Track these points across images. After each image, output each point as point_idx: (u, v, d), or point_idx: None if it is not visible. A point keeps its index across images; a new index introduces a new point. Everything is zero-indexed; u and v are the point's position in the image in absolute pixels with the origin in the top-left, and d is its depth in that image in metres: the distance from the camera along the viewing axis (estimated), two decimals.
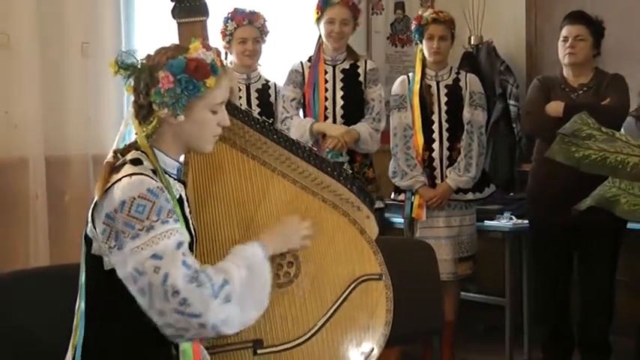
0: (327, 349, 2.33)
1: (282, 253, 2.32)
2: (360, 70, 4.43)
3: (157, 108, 2.05)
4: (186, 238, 2.04)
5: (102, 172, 2.07)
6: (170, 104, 2.04)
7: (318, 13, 4.35)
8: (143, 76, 2.07)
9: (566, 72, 4.38)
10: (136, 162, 2.06)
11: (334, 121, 4.33)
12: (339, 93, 4.38)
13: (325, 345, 2.33)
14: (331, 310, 2.35)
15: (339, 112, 4.36)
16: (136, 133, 2.12)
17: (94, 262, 2.05)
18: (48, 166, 4.14)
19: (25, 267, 3.76)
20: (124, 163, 2.06)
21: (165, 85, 2.03)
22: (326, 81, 4.37)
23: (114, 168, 2.07)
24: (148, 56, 2.11)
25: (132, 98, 2.13)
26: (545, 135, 4.02)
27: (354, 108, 4.38)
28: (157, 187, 2.01)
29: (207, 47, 2.11)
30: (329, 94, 4.36)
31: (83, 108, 4.28)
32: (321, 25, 4.35)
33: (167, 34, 4.27)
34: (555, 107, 4.22)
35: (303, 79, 4.38)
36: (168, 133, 2.12)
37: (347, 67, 4.42)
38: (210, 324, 1.95)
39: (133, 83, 2.11)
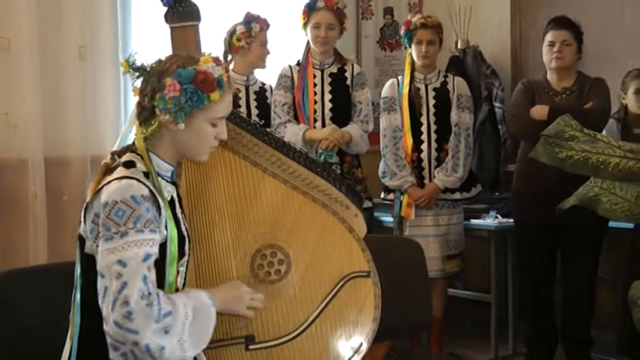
0: (317, 344, 2.33)
1: (272, 251, 2.32)
2: (348, 74, 4.43)
3: (159, 113, 2.05)
4: (156, 251, 2.02)
5: (97, 173, 2.07)
6: (172, 112, 2.04)
7: (304, 18, 4.34)
8: (151, 80, 2.07)
9: (550, 76, 4.39)
10: (128, 164, 2.06)
11: (323, 124, 4.32)
12: (328, 96, 4.37)
13: (315, 340, 2.33)
14: (321, 307, 2.35)
15: (328, 114, 4.35)
16: (135, 134, 2.11)
17: (87, 260, 2.05)
18: (47, 166, 4.14)
19: (25, 265, 3.74)
20: (118, 165, 2.06)
21: (171, 92, 2.03)
22: (315, 85, 4.36)
23: (108, 169, 2.06)
24: (159, 61, 2.11)
25: (137, 99, 2.12)
26: (530, 137, 4.03)
27: (343, 111, 4.38)
28: (142, 195, 2.00)
29: (218, 62, 2.11)
30: (318, 98, 4.35)
31: (81, 110, 4.27)
32: (308, 29, 4.34)
33: (163, 37, 4.27)
34: (540, 110, 4.23)
35: (293, 83, 4.37)
36: (165, 139, 2.11)
37: (335, 71, 4.41)
38: (144, 344, 1.93)
39: (140, 85, 2.10)
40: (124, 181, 1.99)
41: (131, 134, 2.20)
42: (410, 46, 4.56)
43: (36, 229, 4.07)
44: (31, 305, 2.55)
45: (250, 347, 2.30)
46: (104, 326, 1.96)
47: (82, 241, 2.08)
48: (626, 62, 4.97)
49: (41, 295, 2.58)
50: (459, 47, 5.79)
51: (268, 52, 4.27)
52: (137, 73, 2.09)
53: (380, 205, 4.82)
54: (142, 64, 2.09)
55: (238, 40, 4.20)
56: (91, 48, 4.29)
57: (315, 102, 4.34)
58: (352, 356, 2.34)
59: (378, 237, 4.11)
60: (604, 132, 4.07)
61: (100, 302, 1.96)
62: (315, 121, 4.33)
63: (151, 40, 4.54)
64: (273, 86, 4.45)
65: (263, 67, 4.32)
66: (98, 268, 1.97)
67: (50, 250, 4.09)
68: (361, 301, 2.38)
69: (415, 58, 4.56)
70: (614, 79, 4.48)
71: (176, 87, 2.03)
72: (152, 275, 1.99)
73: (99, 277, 1.97)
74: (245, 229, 2.33)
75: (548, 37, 4.33)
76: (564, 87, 4.34)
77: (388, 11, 5.83)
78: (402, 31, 4.61)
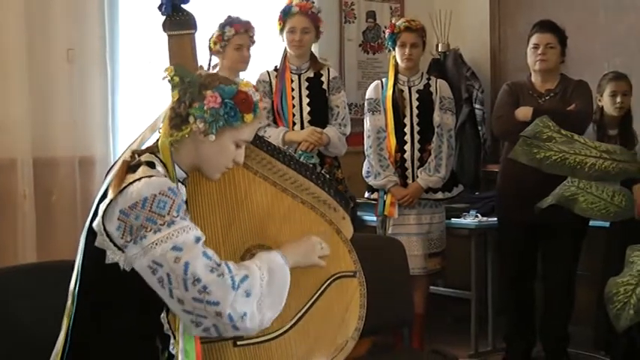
0: (304, 341, 2.33)
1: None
2: (324, 79, 4.43)
3: (193, 121, 2.08)
4: (203, 234, 2.05)
5: (118, 170, 2.06)
6: (209, 122, 2.08)
7: (280, 23, 4.34)
8: (191, 90, 2.10)
9: (534, 78, 4.41)
10: (150, 164, 2.08)
11: (302, 127, 4.32)
12: (305, 100, 4.37)
13: (302, 337, 2.33)
14: (308, 305, 2.35)
15: (306, 118, 4.35)
16: (162, 137, 2.13)
17: (96, 254, 2.04)
18: (36, 166, 4.12)
19: (14, 263, 3.72)
20: (139, 164, 2.07)
21: (211, 103, 2.08)
22: (292, 89, 4.36)
23: (129, 167, 2.07)
24: (200, 75, 2.16)
25: (169, 105, 2.14)
26: (514, 138, 4.04)
27: (320, 114, 4.38)
28: (176, 186, 2.04)
29: (256, 89, 2.19)
30: (296, 102, 4.35)
31: (69, 112, 4.24)
32: (284, 34, 4.34)
33: (151, 40, 4.27)
34: (524, 112, 4.25)
35: (271, 88, 4.37)
36: (188, 148, 2.14)
37: (311, 75, 4.41)
38: (227, 313, 1.97)
39: (178, 92, 2.12)
40: (153, 178, 2.02)
41: (152, 137, 2.21)
42: (394, 49, 4.57)
43: (25, 228, 4.04)
44: (20, 304, 2.54)
45: (238, 343, 2.30)
46: (180, 307, 1.97)
47: (91, 234, 2.06)
48: (602, 65, 5.01)
49: (29, 293, 2.57)
50: (439, 50, 5.82)
51: (247, 56, 4.23)
52: (178, 81, 2.12)
53: (363, 205, 4.83)
54: (188, 75, 2.13)
55: (214, 43, 4.20)
56: (79, 50, 4.26)
57: (294, 106, 4.35)
58: (337, 354, 2.35)
59: (362, 235, 4.10)
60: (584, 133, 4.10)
61: (165, 290, 1.97)
62: (294, 124, 4.33)
63: (138, 42, 4.53)
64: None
65: (242, 69, 4.29)
66: (149, 260, 1.96)
67: (39, 250, 4.07)
68: (347, 300, 2.39)
69: (399, 60, 4.57)
70: (591, 81, 4.50)
71: (217, 99, 2.08)
72: (210, 250, 2.02)
73: (156, 267, 1.96)
74: (235, 229, 2.32)
75: (533, 39, 4.36)
76: (548, 89, 4.37)
77: (370, 15, 5.83)
78: (386, 34, 4.63)
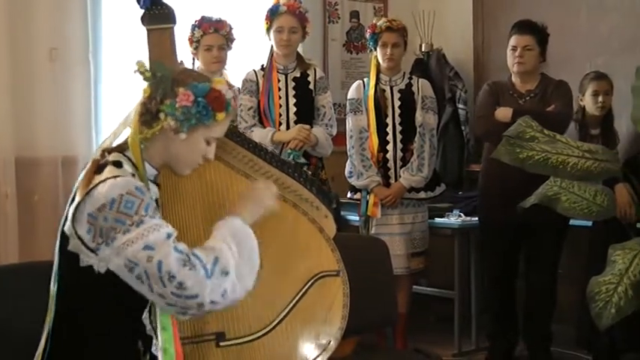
0: (287, 341, 2.32)
1: None
2: (311, 79, 4.41)
3: (164, 118, 2.05)
4: (173, 230, 2.03)
5: (87, 172, 2.04)
6: (180, 120, 2.05)
7: (267, 23, 4.32)
8: (163, 86, 2.07)
9: (515, 78, 4.43)
10: (117, 164, 2.04)
11: (288, 127, 4.31)
12: (292, 100, 4.36)
13: (285, 337, 2.32)
14: (291, 305, 2.34)
15: (293, 118, 4.33)
16: (132, 134, 2.09)
17: (70, 257, 2.02)
18: (18, 166, 4.09)
19: None
20: (105, 164, 2.04)
21: (183, 101, 2.04)
22: (279, 89, 4.34)
23: (98, 167, 2.05)
24: (173, 70, 2.13)
25: (140, 100, 2.11)
26: (494, 138, 4.06)
27: (307, 114, 4.37)
28: (142, 185, 2.01)
29: (230, 86, 2.15)
30: (282, 102, 4.34)
31: (52, 111, 4.22)
32: (271, 34, 4.32)
33: (134, 39, 4.25)
34: (504, 113, 4.26)
35: (258, 87, 4.35)
36: (158, 145, 2.11)
37: (298, 75, 4.39)
38: (208, 302, 1.97)
39: (150, 88, 2.09)
40: (119, 178, 1.99)
41: (123, 134, 2.19)
42: (375, 49, 4.57)
43: (7, 228, 4.01)
44: (3, 304, 2.53)
45: (221, 344, 2.29)
46: (163, 301, 1.96)
47: (64, 238, 2.04)
48: (584, 65, 5.03)
49: (11, 293, 2.56)
50: (423, 50, 5.83)
51: (219, 56, 4.20)
52: (149, 76, 2.09)
53: (346, 205, 4.82)
54: (161, 71, 2.10)
55: (189, 45, 4.20)
56: (61, 49, 4.24)
57: (280, 106, 4.33)
58: (320, 353, 2.34)
59: (345, 235, 4.11)
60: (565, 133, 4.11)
61: (145, 286, 1.95)
62: (280, 124, 4.31)
63: (121, 41, 4.51)
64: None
65: (216, 70, 4.26)
66: (123, 260, 1.94)
67: (21, 250, 4.04)
68: (330, 299, 2.38)
69: (380, 60, 4.57)
70: (573, 81, 4.52)
71: (189, 97, 2.05)
72: (181, 244, 2.00)
73: (132, 266, 1.94)
74: None
75: (512, 41, 4.37)
76: (528, 89, 4.38)
77: (354, 15, 5.84)
78: (367, 34, 4.62)
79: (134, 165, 2.08)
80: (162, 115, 2.06)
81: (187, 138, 2.09)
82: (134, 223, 1.95)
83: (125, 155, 2.09)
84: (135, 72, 2.10)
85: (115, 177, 1.99)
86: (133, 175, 2.05)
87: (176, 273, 1.94)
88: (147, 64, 2.11)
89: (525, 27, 4.36)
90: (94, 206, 1.96)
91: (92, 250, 1.98)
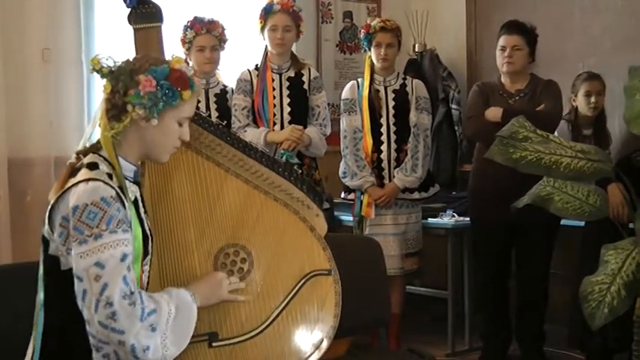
0: (279, 340, 2.32)
1: (235, 249, 2.32)
2: (305, 78, 4.41)
3: (132, 109, 2.03)
4: (137, 243, 2.01)
5: (61, 175, 2.03)
6: (148, 107, 2.03)
7: (261, 22, 4.31)
8: (122, 77, 2.05)
9: (504, 78, 4.43)
10: (92, 166, 2.02)
11: (282, 127, 4.30)
12: (286, 100, 4.35)
13: (277, 337, 2.32)
14: (283, 304, 2.34)
15: (287, 118, 4.32)
16: (102, 132, 2.07)
17: (51, 261, 2.02)
18: (10, 167, 4.09)
19: None
20: (81, 167, 2.03)
21: (147, 87, 2.02)
22: (273, 89, 4.34)
23: (73, 170, 2.03)
24: (128, 60, 2.10)
25: (104, 97, 2.09)
26: (485, 138, 4.06)
27: (301, 114, 4.36)
28: (111, 196, 1.97)
29: (187, 63, 2.13)
30: (277, 102, 4.33)
31: (45, 112, 4.22)
32: (265, 33, 4.31)
33: (127, 39, 4.24)
34: (494, 113, 4.27)
35: (252, 87, 4.34)
36: (131, 137, 2.09)
37: (292, 74, 4.38)
38: (130, 344, 1.92)
39: (110, 83, 2.07)
40: (90, 183, 1.96)
41: (95, 134, 2.18)
42: (369, 49, 4.57)
43: (0, 229, 4.01)
44: None
45: (214, 344, 2.29)
46: (87, 327, 1.93)
47: (45, 242, 2.04)
48: (576, 65, 5.04)
49: (5, 295, 2.55)
50: (416, 50, 5.83)
51: (212, 57, 4.21)
52: (106, 71, 2.07)
53: (340, 205, 4.83)
54: (114, 63, 2.08)
55: (181, 46, 4.20)
56: (54, 50, 4.24)
57: (275, 106, 4.32)
58: (313, 352, 2.34)
59: (339, 236, 4.12)
60: (555, 133, 4.12)
61: (80, 305, 1.93)
62: (275, 124, 4.30)
63: (114, 42, 4.51)
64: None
65: (209, 71, 4.26)
66: (74, 271, 1.93)
67: (14, 251, 4.04)
68: (322, 298, 2.37)
69: (374, 60, 4.57)
70: (566, 81, 4.53)
71: (152, 82, 2.03)
72: (132, 274, 1.97)
73: (76, 281, 1.93)
74: (208, 228, 2.31)
75: (500, 41, 4.38)
76: (517, 89, 4.39)
77: (347, 15, 5.84)
78: (361, 35, 4.62)
79: (110, 164, 2.06)
80: (129, 107, 2.04)
81: (159, 123, 2.07)
82: (92, 235, 1.93)
83: (100, 155, 2.07)
84: (91, 71, 2.09)
85: (88, 180, 1.97)
86: (109, 175, 2.02)
87: (115, 302, 1.91)
88: (101, 61, 2.08)
89: (514, 27, 4.37)
90: (66, 210, 1.96)
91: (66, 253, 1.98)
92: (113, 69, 2.07)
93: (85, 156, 2.09)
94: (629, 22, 5.05)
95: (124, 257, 1.95)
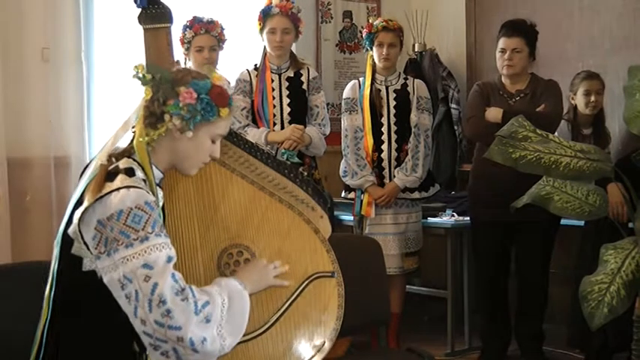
0: (281, 342, 2.32)
1: (239, 250, 2.32)
2: (304, 78, 4.41)
3: (169, 118, 2.05)
4: (175, 254, 2.01)
5: (97, 176, 2.01)
6: (186, 118, 2.05)
7: (260, 24, 4.31)
8: (164, 87, 2.06)
9: (504, 79, 4.42)
10: (129, 172, 2.03)
11: (282, 127, 4.30)
12: (286, 100, 4.35)
13: (279, 338, 2.32)
14: (285, 306, 2.33)
15: (287, 118, 4.32)
16: (137, 137, 2.08)
17: (72, 261, 2.01)
18: (10, 167, 4.09)
19: None
20: (117, 172, 2.02)
21: (187, 99, 2.04)
22: (273, 89, 4.33)
23: (108, 173, 2.02)
24: (171, 71, 2.12)
25: (142, 103, 2.10)
26: (485, 138, 4.06)
27: (300, 114, 4.36)
28: (153, 200, 2.00)
29: (228, 83, 2.15)
30: (276, 102, 4.33)
31: (44, 111, 4.22)
32: (264, 35, 4.31)
33: (126, 38, 4.25)
34: (494, 113, 4.26)
35: (251, 87, 4.34)
36: (164, 146, 2.11)
37: (291, 75, 4.38)
38: (188, 338, 1.94)
39: (151, 89, 2.08)
40: (132, 190, 1.97)
41: (125, 138, 2.18)
42: (371, 49, 4.57)
43: None
44: None
45: None
46: (142, 328, 1.94)
47: (68, 241, 2.03)
48: (576, 65, 5.04)
49: (5, 295, 2.55)
50: (416, 50, 5.83)
51: (210, 57, 4.19)
52: (148, 79, 2.08)
53: (340, 204, 4.82)
54: (158, 71, 2.09)
55: (180, 46, 4.19)
56: (54, 49, 4.23)
57: (274, 106, 4.32)
58: (315, 354, 2.34)
59: (339, 235, 4.08)
60: (555, 133, 4.12)
61: (131, 307, 1.94)
62: (274, 124, 4.30)
63: (114, 41, 4.51)
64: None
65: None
66: (122, 274, 1.93)
67: (14, 250, 4.03)
68: (325, 300, 2.37)
69: (376, 60, 4.57)
70: (565, 81, 4.53)
71: (193, 95, 2.05)
72: (178, 273, 1.99)
73: (126, 283, 1.93)
74: (212, 228, 2.31)
75: (500, 44, 4.36)
76: (518, 89, 4.38)
77: (347, 15, 5.84)
78: (363, 34, 4.62)
79: (143, 169, 2.07)
80: (166, 117, 2.05)
81: (193, 137, 2.09)
82: (139, 238, 1.94)
83: (135, 160, 2.08)
84: (133, 77, 2.09)
85: (129, 187, 1.97)
86: (144, 180, 2.04)
87: (167, 299, 1.93)
88: (144, 67, 2.10)
89: (513, 29, 4.34)
90: (104, 214, 1.95)
91: (95, 257, 1.97)
92: (156, 76, 2.08)
93: (117, 159, 2.09)
94: (628, 22, 5.05)
95: (169, 259, 1.97)
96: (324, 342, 2.35)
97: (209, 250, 2.31)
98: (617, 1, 5.10)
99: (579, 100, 4.45)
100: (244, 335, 2.26)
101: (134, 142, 2.09)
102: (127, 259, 1.93)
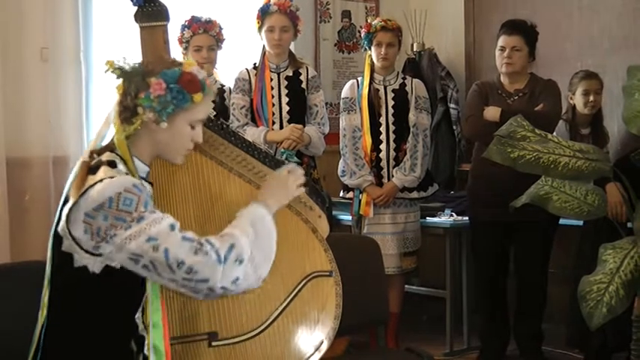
0: (280, 341, 2.33)
1: None
2: (303, 77, 4.41)
3: (142, 111, 2.04)
4: (176, 220, 2.03)
5: (79, 172, 2.03)
6: (157, 110, 2.04)
7: (258, 22, 4.30)
8: (135, 79, 2.06)
9: (503, 78, 4.42)
10: (112, 164, 2.04)
11: (281, 126, 4.30)
12: (285, 99, 4.35)
13: (278, 337, 2.33)
14: (284, 305, 2.34)
15: (286, 117, 4.32)
16: (116, 133, 2.08)
17: (64, 258, 2.01)
18: (9, 167, 4.08)
19: None
20: (99, 165, 2.03)
21: (157, 91, 2.03)
22: (272, 88, 4.33)
23: (89, 168, 2.03)
24: (142, 62, 2.12)
25: (117, 98, 2.10)
26: (484, 138, 4.06)
27: (299, 113, 4.36)
28: (140, 182, 2.01)
29: (201, 66, 2.16)
30: (275, 101, 4.32)
31: (43, 111, 4.21)
32: (263, 33, 4.30)
33: (125, 38, 4.25)
34: (493, 113, 4.26)
35: (250, 86, 4.34)
36: (144, 139, 2.10)
37: (290, 74, 4.38)
38: (219, 287, 2.00)
39: (122, 84, 2.08)
40: (115, 178, 1.98)
41: (108, 134, 2.18)
42: (370, 49, 4.57)
43: None
44: None
45: (213, 344, 2.29)
46: (174, 286, 2.00)
47: (57, 239, 2.04)
48: (575, 64, 5.04)
49: (4, 295, 2.55)
50: (414, 50, 5.83)
51: (209, 57, 4.20)
52: (119, 73, 2.08)
53: (339, 204, 4.82)
54: (127, 65, 2.08)
55: (179, 45, 4.19)
56: (53, 49, 4.23)
57: (273, 105, 4.32)
58: (313, 354, 2.35)
59: (337, 235, 4.10)
60: (554, 133, 4.12)
61: (154, 275, 1.98)
62: (273, 123, 4.30)
63: (112, 41, 4.50)
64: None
65: (205, 70, 4.25)
66: (127, 254, 1.95)
67: (12, 249, 4.03)
68: (323, 299, 2.38)
69: (375, 60, 4.57)
70: (564, 81, 4.53)
71: (162, 86, 2.04)
72: (189, 232, 2.02)
73: (137, 259, 1.96)
74: (210, 227, 2.31)
75: (500, 42, 4.37)
76: (516, 89, 4.39)
77: (346, 14, 5.84)
78: (362, 34, 4.62)
79: (126, 164, 2.07)
80: (140, 110, 2.05)
81: (170, 126, 2.08)
82: (134, 219, 1.95)
83: (117, 154, 2.08)
84: (106, 72, 2.09)
85: (111, 177, 1.98)
86: (127, 174, 2.04)
87: (185, 259, 1.96)
88: (116, 63, 2.09)
89: (514, 27, 4.35)
90: (90, 206, 1.95)
91: (87, 251, 1.97)
92: (127, 70, 2.07)
93: (99, 155, 2.09)
94: (627, 21, 5.05)
95: (172, 227, 2.00)
96: (323, 341, 2.36)
97: None
98: (616, 0, 5.10)
99: (578, 100, 4.45)
100: (243, 335, 2.27)
101: (114, 137, 2.09)
102: (130, 239, 1.95)
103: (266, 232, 2.13)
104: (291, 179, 2.29)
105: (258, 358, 2.30)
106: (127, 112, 2.07)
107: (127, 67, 2.08)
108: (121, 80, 2.08)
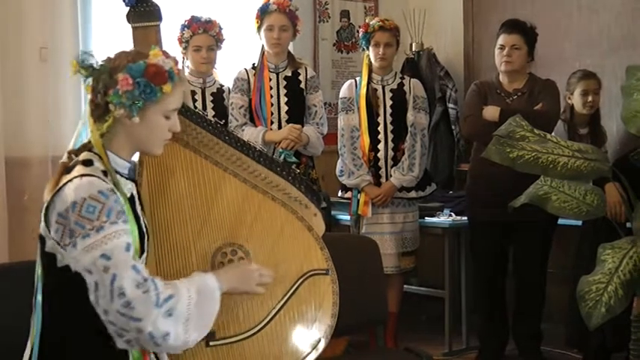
0: (277, 340, 2.32)
1: (233, 249, 2.32)
2: (302, 78, 4.41)
3: (113, 108, 2.02)
4: (134, 240, 2.00)
5: (55, 173, 2.02)
6: (127, 105, 2.01)
7: (258, 21, 4.31)
8: (102, 77, 2.03)
9: (502, 77, 4.43)
10: (87, 163, 2.02)
11: (279, 126, 4.30)
12: (283, 99, 4.35)
13: (275, 336, 2.32)
14: (280, 304, 2.34)
15: (284, 117, 4.32)
16: (91, 132, 2.06)
17: (48, 259, 2.01)
18: (8, 166, 4.08)
19: None
20: (76, 164, 2.02)
21: (124, 86, 2.00)
22: (271, 88, 4.33)
23: (66, 168, 2.03)
24: (109, 58, 2.08)
25: (89, 97, 2.08)
26: (483, 138, 4.06)
27: (298, 113, 4.36)
28: (107, 188, 1.97)
29: (167, 55, 2.09)
30: (274, 100, 4.33)
31: (42, 111, 4.21)
32: (262, 32, 4.31)
33: (124, 38, 4.24)
34: (492, 112, 4.26)
35: (249, 86, 4.34)
36: (120, 134, 2.08)
37: (289, 74, 4.38)
38: (148, 331, 1.92)
39: (91, 83, 2.05)
40: (85, 178, 1.96)
41: (85, 133, 2.17)
42: (368, 48, 4.57)
43: None
44: None
45: (211, 343, 2.28)
46: (105, 317, 1.93)
47: (42, 240, 2.04)
48: (574, 64, 5.03)
49: (2, 294, 2.55)
50: (413, 49, 5.83)
51: (208, 57, 4.20)
52: (87, 72, 2.05)
53: (337, 204, 4.82)
54: (93, 62, 2.05)
55: (178, 45, 4.19)
56: (51, 49, 4.23)
57: (272, 105, 4.32)
58: (310, 352, 2.34)
59: (335, 234, 4.12)
60: (553, 133, 4.11)
61: (92, 298, 1.93)
62: (272, 123, 4.30)
63: (111, 41, 4.50)
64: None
65: (206, 71, 4.26)
66: (82, 266, 1.93)
67: (10, 249, 4.03)
68: (320, 298, 2.37)
69: (373, 60, 4.57)
70: (563, 80, 4.53)
71: (129, 81, 2.00)
72: (140, 263, 1.97)
73: (86, 275, 1.93)
74: (206, 227, 2.31)
75: (499, 40, 4.38)
76: (515, 88, 4.39)
77: (344, 14, 5.84)
78: (360, 34, 4.62)
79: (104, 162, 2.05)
80: (111, 107, 2.02)
81: (143, 120, 2.05)
82: (94, 228, 1.92)
83: (95, 153, 2.06)
84: (74, 73, 2.06)
85: (82, 176, 1.96)
86: (104, 172, 2.02)
87: (127, 291, 1.90)
88: (83, 62, 2.05)
89: (513, 26, 4.36)
90: (62, 206, 1.95)
91: (63, 249, 1.97)
92: (94, 68, 2.05)
93: (77, 155, 2.08)
94: (626, 21, 5.05)
95: (128, 247, 1.96)
96: (320, 339, 2.36)
97: (203, 249, 2.31)
98: (615, 1, 5.10)
99: (576, 100, 4.45)
100: (240, 334, 2.27)
101: (90, 136, 2.07)
102: (86, 250, 1.92)
103: (209, 305, 2.06)
104: (255, 275, 2.23)
105: (256, 357, 2.30)
106: (98, 110, 2.05)
107: (94, 65, 2.05)
108: (88, 79, 2.06)
